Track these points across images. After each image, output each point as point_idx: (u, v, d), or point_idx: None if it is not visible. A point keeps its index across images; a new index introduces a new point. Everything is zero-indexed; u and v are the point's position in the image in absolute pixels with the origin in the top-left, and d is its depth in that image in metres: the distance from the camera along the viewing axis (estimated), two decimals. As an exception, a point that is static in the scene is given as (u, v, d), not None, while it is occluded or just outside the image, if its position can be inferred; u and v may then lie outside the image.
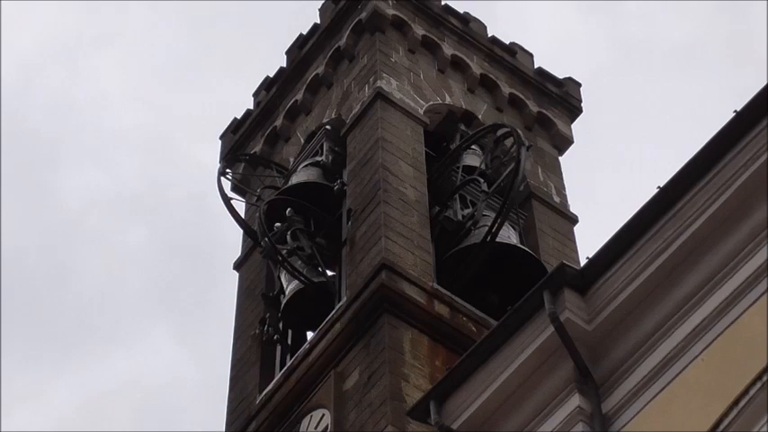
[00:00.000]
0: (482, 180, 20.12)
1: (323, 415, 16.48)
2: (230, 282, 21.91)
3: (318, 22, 23.62)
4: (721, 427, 10.51)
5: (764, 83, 11.46)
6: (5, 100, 54.71)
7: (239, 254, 21.70)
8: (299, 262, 19.34)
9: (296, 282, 19.13)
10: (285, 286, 19.50)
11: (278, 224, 19.64)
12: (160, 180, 53.46)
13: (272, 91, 23.66)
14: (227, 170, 22.41)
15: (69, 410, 50.03)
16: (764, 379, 10.42)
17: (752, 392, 10.45)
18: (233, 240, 23.24)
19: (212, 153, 55.48)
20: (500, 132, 20.90)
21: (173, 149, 54.58)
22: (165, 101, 55.48)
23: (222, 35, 56.02)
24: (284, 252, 19.44)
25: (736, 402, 10.51)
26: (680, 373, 11.40)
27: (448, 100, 21.83)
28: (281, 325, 19.59)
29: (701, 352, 11.32)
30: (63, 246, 51.99)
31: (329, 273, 19.51)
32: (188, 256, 52.04)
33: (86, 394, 50.91)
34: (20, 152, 53.48)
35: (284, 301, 19.27)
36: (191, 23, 56.48)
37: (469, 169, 20.23)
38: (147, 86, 56.43)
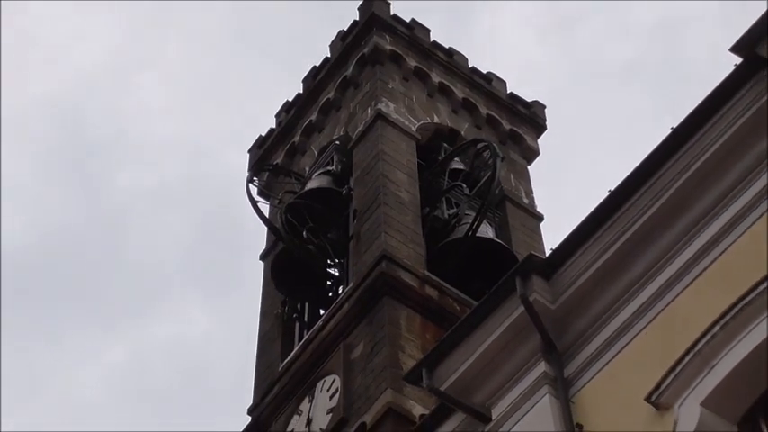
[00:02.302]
0: (464, 185, 20.19)
1: (334, 379, 16.50)
2: (251, 260, 22.06)
3: (329, 55, 23.66)
4: (661, 388, 10.52)
5: (694, 100, 11.56)
6: (68, 111, 54.94)
7: (264, 247, 21.72)
8: (318, 256, 19.40)
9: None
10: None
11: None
12: (195, 177, 53.69)
13: (291, 113, 23.70)
14: (254, 178, 22.44)
15: (120, 365, 50.33)
16: (696, 349, 10.44)
17: (686, 360, 10.47)
18: (256, 229, 23.21)
19: (239, 155, 55.75)
20: (479, 146, 20.95)
21: (206, 152, 54.80)
22: (199, 113, 55.70)
23: (248, 64, 56.22)
24: (297, 241, 19.53)
25: (673, 368, 10.52)
26: (628, 343, 11.40)
27: (436, 119, 21.87)
28: (298, 306, 19.63)
29: (645, 327, 11.32)
30: (115, 230, 52.47)
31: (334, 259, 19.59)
32: (218, 242, 52.41)
33: (134, 352, 51.20)
34: (79, 153, 53.81)
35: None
36: (223, 51, 56.71)
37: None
38: (184, 101, 56.70)
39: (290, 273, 19.43)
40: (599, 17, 55.97)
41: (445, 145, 21.35)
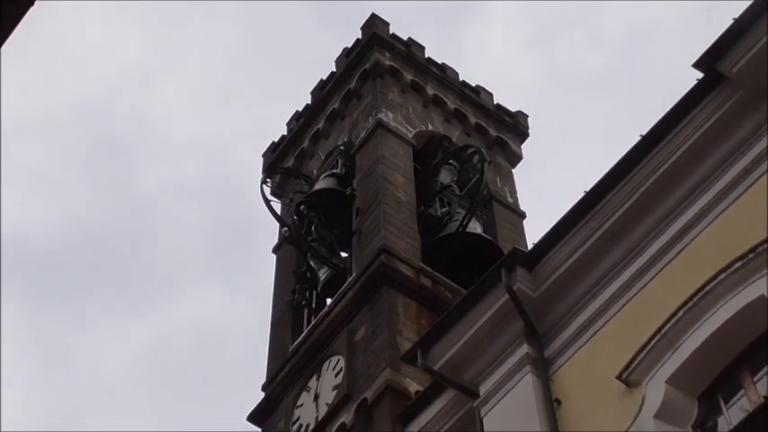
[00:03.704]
0: (455, 186, 20.21)
1: (339, 360, 16.50)
2: (263, 251, 22.08)
3: (335, 70, 23.67)
4: (631, 367, 10.57)
5: (664, 108, 11.62)
6: (96, 112, 54.98)
7: (276, 241, 21.73)
8: (323, 249, 19.43)
9: (326, 267, 19.28)
10: (315, 267, 19.61)
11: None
12: (213, 173, 53.67)
13: (301, 121, 23.68)
14: (268, 180, 22.44)
15: (143, 345, 50.39)
16: (663, 332, 10.50)
17: (653, 342, 10.53)
18: (269, 224, 23.05)
19: (252, 155, 55.83)
20: (469, 151, 20.95)
21: (222, 151, 54.78)
22: (217, 116, 55.65)
23: (262, 73, 56.24)
24: (309, 240, 19.53)
25: (641, 349, 10.58)
26: (601, 327, 11.45)
27: (430, 127, 21.85)
28: (307, 294, 19.64)
29: (617, 312, 11.37)
30: (139, 223, 52.46)
31: (343, 255, 19.61)
32: (233, 234, 52.46)
33: (155, 333, 51.24)
34: (105, 152, 53.81)
35: (321, 282, 19.38)
36: (240, 61, 56.65)
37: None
38: (203, 105, 56.62)
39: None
40: (575, 29, 56.02)
41: (445, 143, 21.39)
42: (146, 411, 48.50)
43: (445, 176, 20.46)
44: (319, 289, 19.34)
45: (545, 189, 46.93)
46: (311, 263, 19.64)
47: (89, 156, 53.83)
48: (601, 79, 54.26)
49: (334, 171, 21.04)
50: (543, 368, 11.59)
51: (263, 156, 24.37)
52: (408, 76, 22.47)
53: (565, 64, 54.59)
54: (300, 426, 16.42)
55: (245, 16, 57.36)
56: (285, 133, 24.20)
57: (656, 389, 10.27)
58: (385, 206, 18.49)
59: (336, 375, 16.30)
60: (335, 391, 16.04)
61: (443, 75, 23.26)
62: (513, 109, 23.95)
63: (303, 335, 18.21)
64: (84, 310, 51.71)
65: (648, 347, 10.48)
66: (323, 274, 19.34)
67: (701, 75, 11.22)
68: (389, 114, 21.09)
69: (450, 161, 20.88)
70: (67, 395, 49.16)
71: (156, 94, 56.24)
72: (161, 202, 53.35)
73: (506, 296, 11.95)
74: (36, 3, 5.50)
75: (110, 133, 53.93)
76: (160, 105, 56.10)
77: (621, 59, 54.87)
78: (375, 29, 22.93)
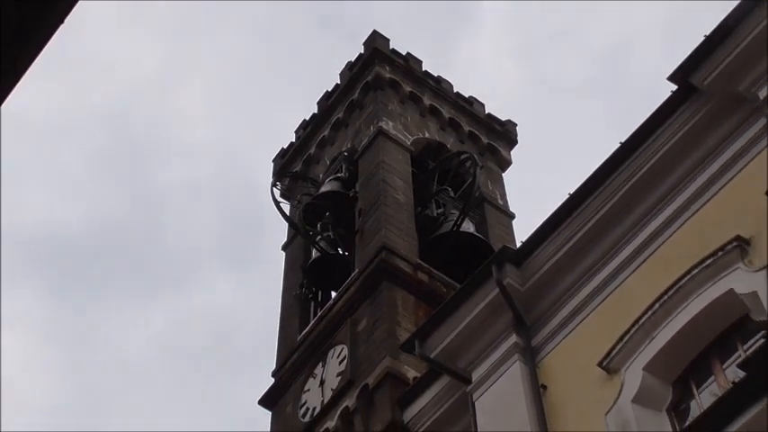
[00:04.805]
0: (450, 189, 20.24)
1: (342, 348, 16.54)
2: (272, 247, 22.12)
3: (339, 82, 23.72)
4: (611, 355, 10.61)
5: (640, 116, 11.65)
6: (118, 117, 54.98)
7: (285, 239, 21.76)
8: (324, 243, 19.49)
9: (316, 251, 19.39)
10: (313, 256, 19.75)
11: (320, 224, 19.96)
12: (224, 175, 53.75)
13: (308, 129, 23.73)
14: (277, 183, 22.50)
15: (160, 330, 50.49)
16: (640, 323, 10.54)
17: (631, 332, 10.57)
18: (278, 223, 23.07)
19: (262, 157, 55.76)
20: (463, 157, 21.01)
21: (234, 154, 54.82)
22: (229, 120, 55.70)
23: (271, 83, 56.22)
24: (317, 238, 19.59)
25: (620, 339, 10.62)
26: (584, 319, 11.48)
27: (427, 135, 21.90)
28: (313, 288, 19.69)
29: (598, 305, 11.41)
30: (156, 218, 52.73)
31: (344, 252, 19.65)
32: (244, 230, 52.57)
33: (172, 319, 51.34)
34: (126, 153, 53.94)
35: (308, 265, 19.49)
36: (252, 71, 56.68)
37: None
38: (217, 110, 56.65)
39: (323, 272, 19.47)
40: (560, 42, 56.05)
41: (430, 162, 21.43)
42: (161, 394, 48.64)
43: (441, 180, 20.49)
44: (307, 266, 19.41)
45: (532, 192, 47.04)
46: (313, 252, 19.74)
47: (111, 157, 54.01)
48: (584, 89, 54.34)
49: (339, 175, 21.09)
50: (530, 356, 11.63)
51: (273, 161, 24.42)
52: (407, 88, 22.52)
53: (550, 74, 54.70)
54: (307, 409, 16.46)
55: (256, 31, 57.47)
56: (293, 140, 24.26)
57: (633, 375, 10.32)
58: (385, 207, 18.54)
59: (340, 363, 16.34)
60: (339, 378, 16.08)
61: (439, 86, 23.30)
62: (503, 118, 24.01)
63: (310, 326, 18.26)
64: (106, 298, 51.92)
65: (627, 337, 10.53)
66: (314, 254, 19.46)
67: (675, 87, 11.28)
68: (389, 123, 21.13)
69: (445, 166, 20.91)
70: (90, 377, 49.32)
71: (173, 101, 56.38)
72: (177, 200, 53.53)
73: (497, 290, 11.98)
74: (66, 20, 5.54)
75: (130, 136, 54.11)
76: (177, 112, 56.28)
77: (604, 70, 54.95)
78: (376, 44, 22.98)
